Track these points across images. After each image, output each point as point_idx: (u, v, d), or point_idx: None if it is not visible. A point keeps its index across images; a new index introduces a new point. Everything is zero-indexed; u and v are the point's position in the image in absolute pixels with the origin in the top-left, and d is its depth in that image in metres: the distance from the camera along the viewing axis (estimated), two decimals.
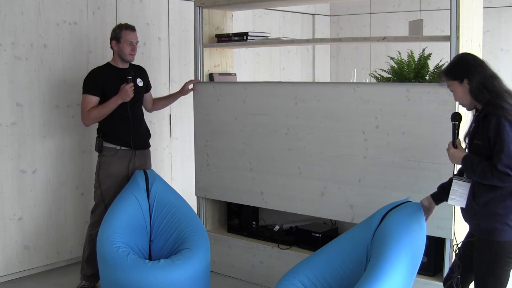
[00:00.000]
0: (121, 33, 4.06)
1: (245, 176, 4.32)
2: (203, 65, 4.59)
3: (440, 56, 3.89)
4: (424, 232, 2.97)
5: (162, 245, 3.90)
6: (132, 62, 4.20)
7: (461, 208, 2.79)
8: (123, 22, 4.26)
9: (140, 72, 4.31)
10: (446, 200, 2.84)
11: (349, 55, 7.64)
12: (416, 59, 3.77)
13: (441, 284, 3.11)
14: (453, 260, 2.94)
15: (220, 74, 4.69)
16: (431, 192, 3.00)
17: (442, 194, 2.93)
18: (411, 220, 2.95)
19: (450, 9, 3.35)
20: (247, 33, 4.43)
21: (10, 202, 4.37)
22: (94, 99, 4.05)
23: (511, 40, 6.47)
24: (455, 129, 2.82)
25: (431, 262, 3.56)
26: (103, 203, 4.08)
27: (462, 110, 2.96)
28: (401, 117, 3.54)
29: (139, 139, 4.20)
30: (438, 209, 3.03)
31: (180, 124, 5.58)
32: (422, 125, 3.45)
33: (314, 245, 4.00)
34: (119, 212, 3.82)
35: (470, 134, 2.77)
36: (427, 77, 3.70)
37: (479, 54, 3.66)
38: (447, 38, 3.40)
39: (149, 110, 4.52)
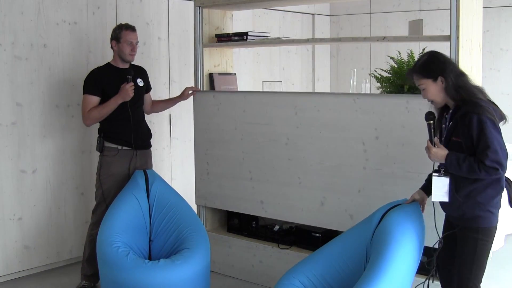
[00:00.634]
0: (121, 33, 4.06)
1: (245, 185, 4.33)
2: (203, 65, 4.59)
3: None
4: (423, 230, 3.00)
5: (162, 245, 3.90)
6: (133, 63, 4.20)
7: (443, 203, 2.89)
8: (123, 22, 4.27)
9: (141, 72, 4.31)
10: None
11: (349, 55, 7.64)
12: (416, 59, 3.77)
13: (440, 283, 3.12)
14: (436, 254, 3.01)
15: (220, 74, 4.69)
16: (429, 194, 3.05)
17: (430, 186, 3.02)
18: (411, 219, 2.99)
19: (450, 9, 3.35)
20: (247, 33, 4.43)
21: (10, 202, 4.37)
22: (95, 99, 4.05)
23: (511, 39, 6.47)
24: (431, 128, 2.90)
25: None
26: (104, 203, 4.08)
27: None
28: (400, 129, 3.55)
29: (140, 139, 4.20)
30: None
31: (180, 124, 5.57)
32: (422, 136, 3.44)
33: (314, 245, 4.00)
34: (119, 212, 3.82)
35: (446, 131, 2.86)
36: None
37: (479, 53, 3.68)
38: (447, 38, 3.40)
39: (147, 112, 4.49)
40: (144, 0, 5.20)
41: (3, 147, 4.31)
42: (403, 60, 3.78)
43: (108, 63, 4.20)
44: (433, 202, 2.96)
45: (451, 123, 2.83)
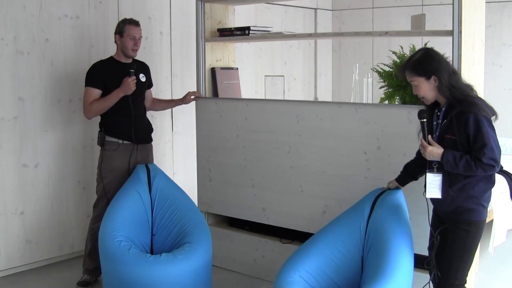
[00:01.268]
0: (125, 28, 4.06)
1: (247, 192, 4.34)
2: (205, 60, 4.59)
3: (442, 51, 3.84)
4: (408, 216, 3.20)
5: (164, 239, 3.90)
6: (136, 58, 4.20)
7: (435, 199, 2.93)
8: (125, 16, 4.26)
9: (143, 67, 4.31)
10: (408, 183, 3.22)
11: (351, 50, 7.63)
12: None
13: None
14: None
15: (222, 68, 4.69)
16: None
17: (405, 177, 3.24)
18: (400, 208, 3.18)
19: (453, 4, 3.34)
20: (249, 27, 4.42)
21: (12, 197, 4.38)
22: (96, 92, 4.05)
23: None
24: (425, 126, 2.91)
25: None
26: (105, 197, 4.09)
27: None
28: (402, 139, 3.55)
29: (141, 133, 4.21)
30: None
31: (182, 119, 5.57)
32: None
33: None
34: (120, 206, 3.82)
35: (440, 129, 2.88)
36: None
37: (481, 48, 3.66)
38: (449, 33, 3.38)
39: (147, 109, 4.46)
40: None
41: (5, 141, 4.31)
42: (405, 55, 3.78)
43: (111, 57, 4.19)
44: (426, 200, 2.99)
45: (445, 120, 2.85)
